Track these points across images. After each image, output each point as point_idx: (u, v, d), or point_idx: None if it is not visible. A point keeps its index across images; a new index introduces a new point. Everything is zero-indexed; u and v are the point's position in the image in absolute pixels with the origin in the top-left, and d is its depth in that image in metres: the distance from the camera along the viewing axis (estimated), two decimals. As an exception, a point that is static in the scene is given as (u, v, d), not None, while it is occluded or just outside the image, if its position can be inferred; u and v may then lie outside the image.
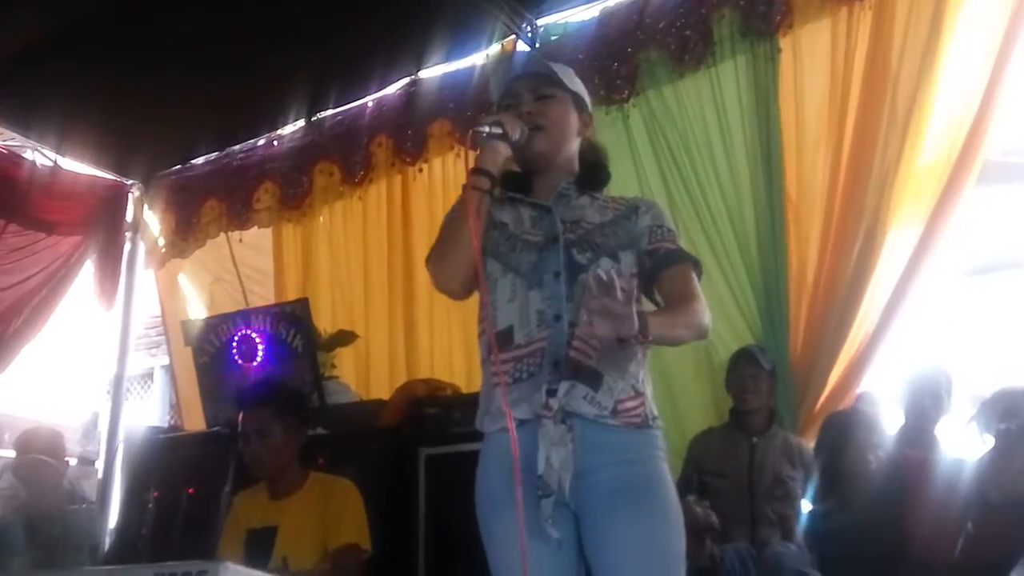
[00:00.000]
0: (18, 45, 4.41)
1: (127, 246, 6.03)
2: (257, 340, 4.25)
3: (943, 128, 3.67)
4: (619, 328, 1.97)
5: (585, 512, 2.15)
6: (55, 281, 5.85)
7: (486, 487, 2.25)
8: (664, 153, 4.22)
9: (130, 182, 6.07)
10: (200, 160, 5.85)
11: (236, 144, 5.66)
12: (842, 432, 3.50)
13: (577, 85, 2.43)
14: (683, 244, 2.37)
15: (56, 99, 4.90)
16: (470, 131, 2.27)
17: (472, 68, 4.78)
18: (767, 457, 3.77)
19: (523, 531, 2.03)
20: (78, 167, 5.88)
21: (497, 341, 2.22)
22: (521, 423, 2.15)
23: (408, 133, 4.93)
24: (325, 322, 4.80)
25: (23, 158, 5.62)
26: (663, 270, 2.28)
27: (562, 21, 4.61)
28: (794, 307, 3.89)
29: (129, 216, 6.06)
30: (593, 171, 2.44)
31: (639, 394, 2.20)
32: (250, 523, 3.42)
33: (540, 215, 2.32)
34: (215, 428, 4.25)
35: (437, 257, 2.30)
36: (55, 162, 5.68)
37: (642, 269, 2.29)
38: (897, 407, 3.75)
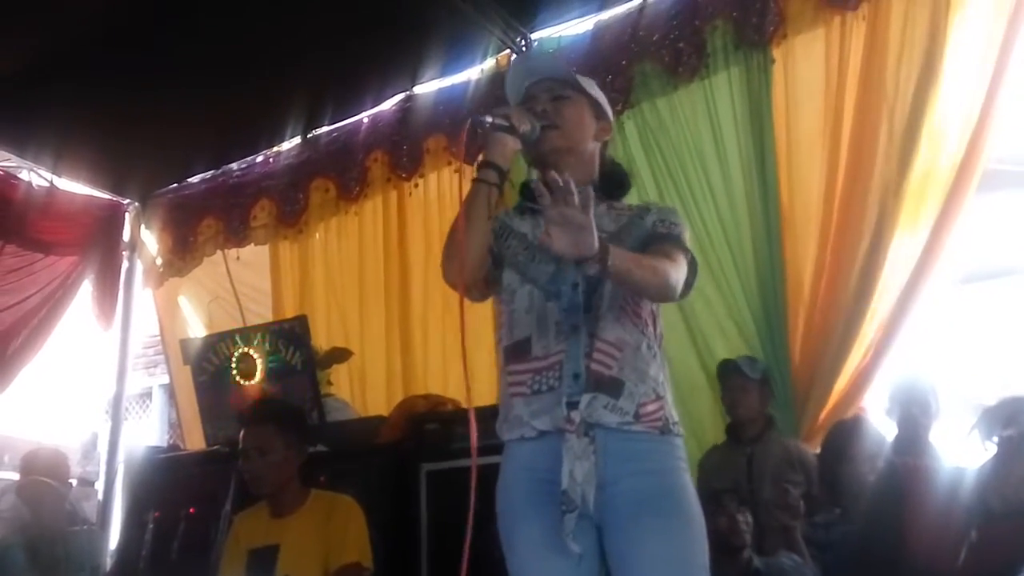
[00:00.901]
0: (14, 65, 4.43)
1: (124, 265, 6.03)
2: (256, 358, 4.25)
3: (944, 136, 3.66)
4: (578, 243, 1.93)
5: (607, 523, 2.13)
6: (53, 301, 5.84)
7: (507, 499, 2.23)
8: (659, 165, 4.23)
9: (127, 201, 6.09)
10: (196, 178, 5.87)
11: (232, 162, 5.68)
12: (843, 441, 3.50)
13: (595, 91, 2.39)
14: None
15: (52, 119, 4.91)
16: (469, 120, 2.21)
17: (467, 83, 4.79)
18: (765, 465, 3.77)
19: (543, 545, 2.04)
20: (74, 187, 5.88)
21: (515, 351, 2.21)
22: (542, 434, 2.15)
23: (404, 148, 4.95)
24: (321, 339, 4.80)
25: (19, 179, 5.62)
26: (655, 243, 2.24)
27: (556, 35, 4.62)
28: (792, 318, 3.89)
29: (126, 235, 6.07)
30: (612, 178, 2.41)
31: (659, 397, 2.19)
32: (251, 542, 3.40)
33: None
34: (215, 447, 4.23)
35: (446, 253, 2.24)
36: (51, 182, 5.69)
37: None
38: (888, 418, 3.76)
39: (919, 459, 3.37)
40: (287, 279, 5.48)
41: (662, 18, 4.20)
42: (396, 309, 4.98)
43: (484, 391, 4.44)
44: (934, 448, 3.60)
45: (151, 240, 5.97)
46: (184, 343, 4.73)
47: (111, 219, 6.05)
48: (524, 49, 4.61)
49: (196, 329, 5.75)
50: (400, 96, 5.01)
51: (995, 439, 2.99)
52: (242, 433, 3.46)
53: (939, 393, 3.72)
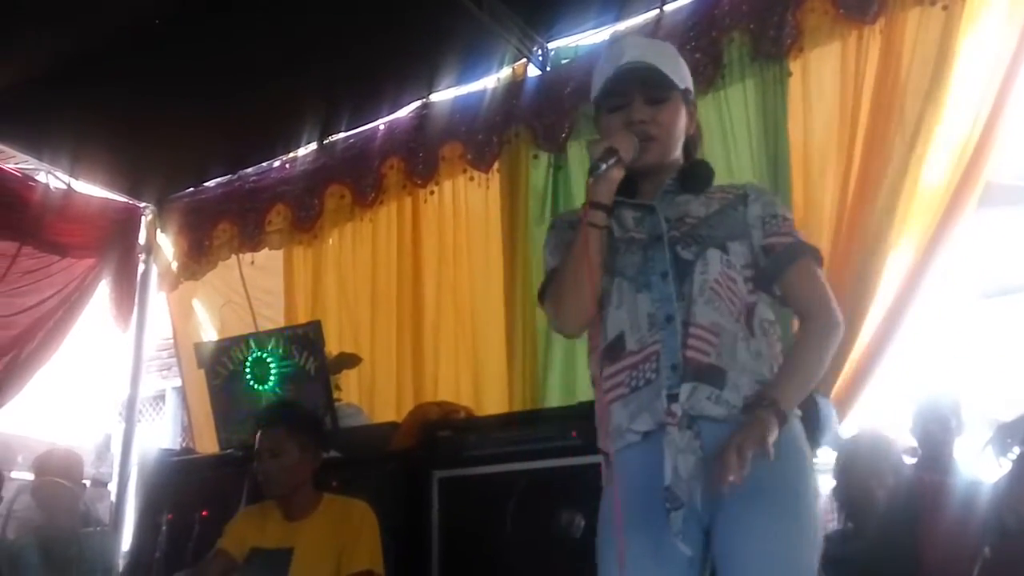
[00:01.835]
0: (33, 69, 4.45)
1: (140, 268, 6.06)
2: (270, 362, 4.26)
3: (947, 150, 3.64)
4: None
5: (716, 520, 2.01)
6: (69, 304, 5.86)
7: (605, 510, 2.12)
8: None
9: (143, 204, 6.11)
10: (212, 183, 5.88)
11: (248, 167, 5.69)
12: (855, 456, 3.50)
13: (686, 75, 2.30)
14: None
15: (69, 122, 4.94)
16: (588, 178, 2.14)
17: (483, 91, 4.79)
18: None
19: (644, 556, 1.97)
20: (91, 190, 5.91)
21: (610, 352, 2.13)
22: (645, 436, 2.06)
23: (419, 156, 4.95)
24: (332, 345, 4.80)
25: (36, 181, 5.64)
26: (784, 269, 2.15)
27: (573, 45, 4.63)
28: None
29: (142, 239, 6.09)
30: (693, 175, 2.29)
31: None
32: (261, 542, 3.41)
33: (643, 215, 2.22)
34: (228, 450, 4.26)
35: (557, 299, 2.19)
36: (68, 185, 5.71)
37: (757, 265, 2.16)
38: (910, 436, 3.76)
39: (941, 476, 3.37)
40: (300, 284, 5.48)
41: (679, 29, 4.19)
42: (408, 316, 4.98)
43: (496, 399, 4.49)
44: (956, 465, 3.60)
45: (167, 243, 5.99)
46: (198, 347, 4.75)
47: (127, 222, 6.07)
48: (541, 59, 4.62)
49: (208, 333, 5.77)
50: (416, 104, 5.01)
51: (1010, 455, 2.99)
52: (258, 435, 3.48)
53: (961, 410, 3.71)
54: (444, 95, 4.96)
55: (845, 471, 3.53)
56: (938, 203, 3.64)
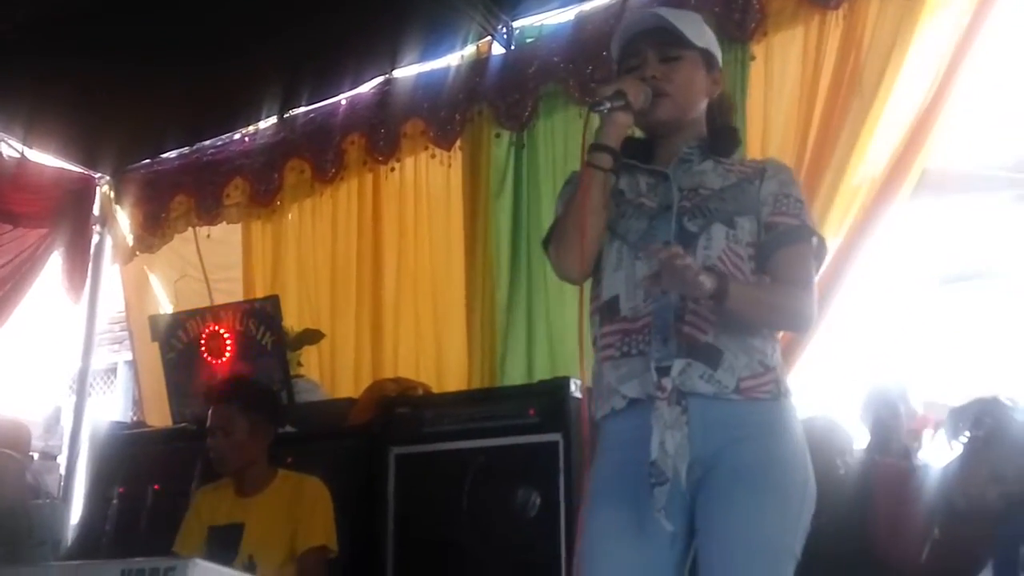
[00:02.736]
0: (-15, 35, 4.37)
1: (95, 239, 5.97)
2: (226, 336, 4.23)
3: (884, 140, 3.65)
4: (688, 290, 1.89)
5: (700, 499, 1.98)
6: (20, 274, 5.77)
7: (591, 480, 2.09)
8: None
9: (98, 175, 6.01)
10: (170, 155, 5.79)
11: (207, 140, 5.61)
12: (809, 439, 3.53)
13: (707, 38, 2.25)
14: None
15: (23, 90, 4.85)
16: (589, 106, 2.11)
17: (447, 69, 4.76)
18: None
19: (624, 528, 1.96)
20: (45, 159, 5.80)
21: (606, 311, 2.09)
22: (632, 403, 2.03)
23: (381, 132, 4.91)
24: (292, 320, 4.77)
25: (-11, 149, 5.54)
26: (777, 250, 2.09)
27: (538, 23, 4.61)
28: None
29: (97, 209, 6.00)
30: (721, 135, 2.24)
31: (768, 368, 2.03)
32: (214, 519, 3.39)
33: (657, 182, 2.16)
34: (182, 424, 4.22)
35: (559, 243, 2.12)
36: (22, 153, 5.61)
37: (759, 241, 2.11)
38: (862, 425, 3.80)
39: (891, 459, 3.41)
40: (259, 259, 5.43)
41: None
42: (368, 292, 4.95)
43: (456, 376, 4.48)
44: (906, 450, 3.65)
45: (122, 215, 5.90)
46: (153, 319, 4.70)
47: (82, 192, 5.97)
48: (505, 36, 4.59)
49: (164, 307, 5.70)
50: (379, 79, 4.97)
51: (961, 439, 3.03)
52: (210, 411, 3.45)
53: (909, 396, 3.76)
54: (407, 71, 4.92)
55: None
56: (865, 192, 3.65)
